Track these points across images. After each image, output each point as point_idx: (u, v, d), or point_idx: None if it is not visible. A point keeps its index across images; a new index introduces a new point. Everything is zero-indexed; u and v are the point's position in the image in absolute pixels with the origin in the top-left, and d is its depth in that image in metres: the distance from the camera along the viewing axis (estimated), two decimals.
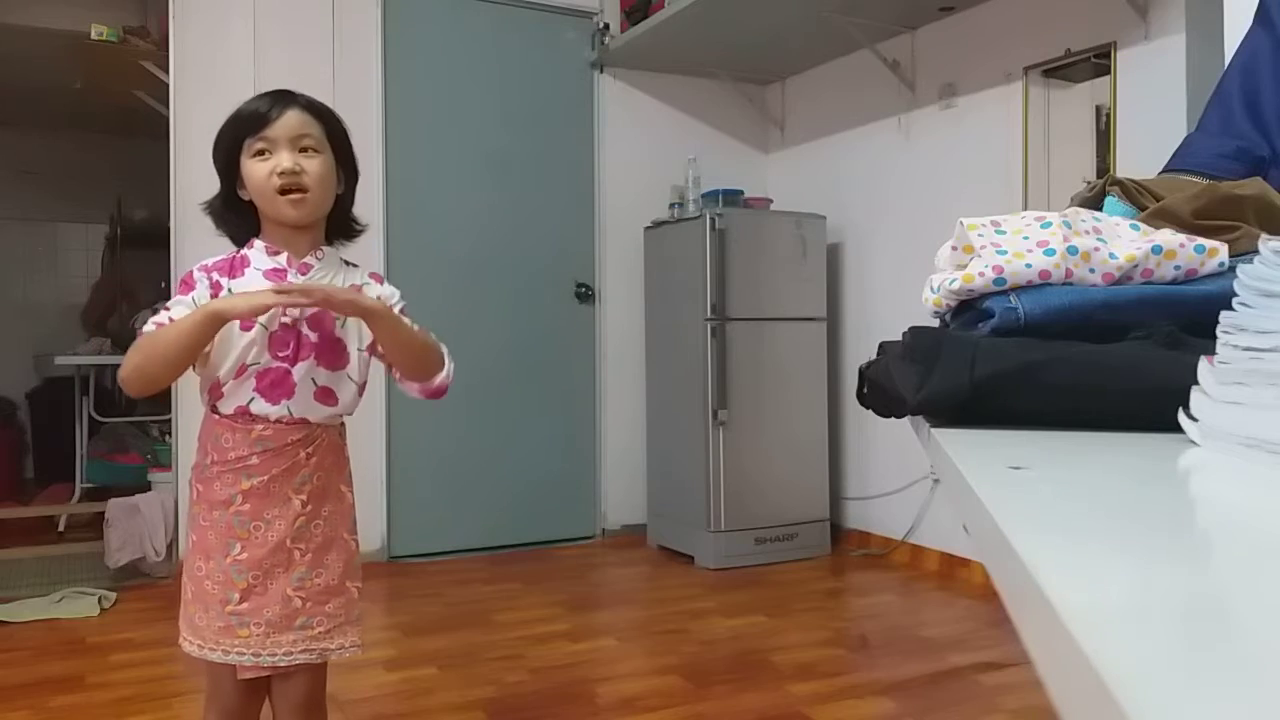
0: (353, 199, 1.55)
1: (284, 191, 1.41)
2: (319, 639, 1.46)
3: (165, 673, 2.58)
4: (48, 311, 5.92)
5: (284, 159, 1.40)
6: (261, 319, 1.41)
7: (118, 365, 1.40)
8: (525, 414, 4.15)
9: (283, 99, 1.44)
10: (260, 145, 1.41)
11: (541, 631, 2.96)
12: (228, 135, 1.44)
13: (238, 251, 1.48)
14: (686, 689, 2.47)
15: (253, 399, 1.42)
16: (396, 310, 1.48)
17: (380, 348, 1.48)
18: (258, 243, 1.48)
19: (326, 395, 1.46)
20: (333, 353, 1.46)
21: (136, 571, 3.51)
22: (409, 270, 3.89)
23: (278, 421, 1.43)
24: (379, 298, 1.48)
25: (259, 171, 1.41)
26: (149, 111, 4.12)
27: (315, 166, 1.43)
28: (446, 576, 3.65)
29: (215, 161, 1.47)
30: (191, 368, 1.42)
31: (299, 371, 1.43)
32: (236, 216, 1.48)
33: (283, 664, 1.45)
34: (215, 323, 1.34)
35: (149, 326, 1.38)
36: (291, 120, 1.42)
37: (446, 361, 1.52)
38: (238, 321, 1.39)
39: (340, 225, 1.54)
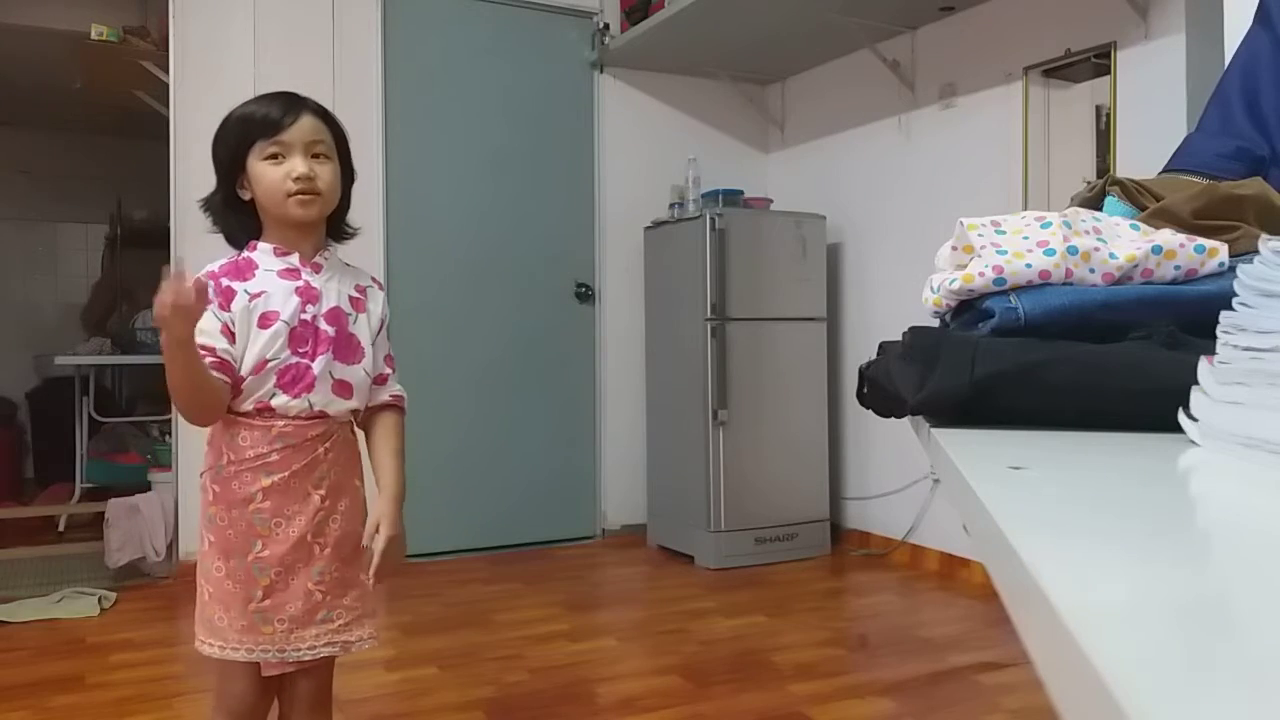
0: (349, 203, 1.56)
1: (297, 195, 1.43)
2: (339, 632, 1.49)
3: (165, 673, 2.59)
4: (48, 311, 5.92)
5: (299, 164, 1.42)
6: (284, 315, 1.42)
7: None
8: (525, 414, 4.15)
9: (295, 104, 1.45)
10: (274, 149, 1.42)
11: (541, 631, 2.96)
12: (235, 135, 1.45)
13: (240, 254, 1.48)
14: (686, 689, 2.47)
15: (274, 394, 1.43)
16: (384, 328, 1.57)
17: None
18: (262, 245, 1.48)
19: (343, 388, 1.49)
20: (348, 348, 1.49)
21: (136, 571, 3.51)
22: (409, 271, 3.90)
23: (297, 417, 1.44)
24: (381, 315, 1.57)
25: (273, 175, 1.42)
26: (149, 111, 4.13)
27: (327, 173, 1.45)
28: (446, 576, 3.65)
29: (217, 159, 1.47)
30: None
31: (318, 366, 1.45)
32: (237, 215, 1.49)
33: (307, 659, 1.46)
34: (183, 347, 1.29)
35: None
36: (306, 126, 1.44)
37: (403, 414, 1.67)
38: (254, 320, 1.41)
39: (335, 228, 1.56)
